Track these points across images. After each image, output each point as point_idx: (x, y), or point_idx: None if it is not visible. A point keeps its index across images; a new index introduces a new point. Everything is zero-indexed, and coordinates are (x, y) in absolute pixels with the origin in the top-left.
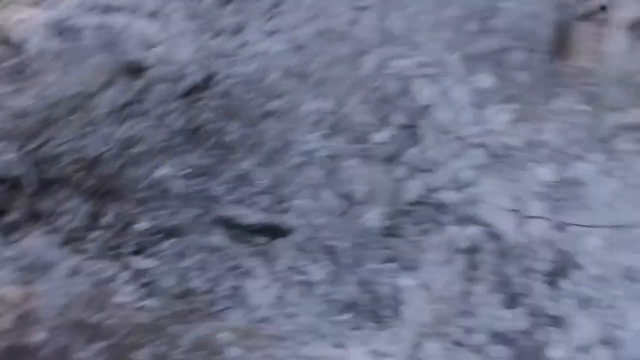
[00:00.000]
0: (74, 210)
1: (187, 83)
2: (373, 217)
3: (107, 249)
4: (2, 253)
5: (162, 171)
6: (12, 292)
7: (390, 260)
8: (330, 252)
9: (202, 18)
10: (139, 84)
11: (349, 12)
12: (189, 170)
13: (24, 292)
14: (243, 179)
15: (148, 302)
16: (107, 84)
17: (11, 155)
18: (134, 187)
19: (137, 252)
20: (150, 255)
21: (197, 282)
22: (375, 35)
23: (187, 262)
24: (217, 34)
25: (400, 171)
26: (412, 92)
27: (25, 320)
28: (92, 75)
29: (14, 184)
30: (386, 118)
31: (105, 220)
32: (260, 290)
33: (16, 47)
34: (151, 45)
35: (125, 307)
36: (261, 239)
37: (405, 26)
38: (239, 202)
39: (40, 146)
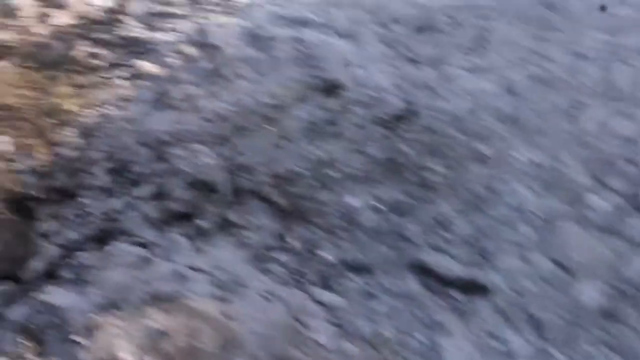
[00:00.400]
0: (263, 226)
1: (386, 110)
2: (590, 292)
3: (291, 274)
4: (193, 261)
5: (355, 200)
6: (212, 308)
7: (608, 346)
8: (537, 324)
9: (396, 44)
10: (334, 103)
11: (567, 58)
12: (383, 204)
13: (223, 311)
14: (442, 223)
15: (344, 345)
16: (301, 99)
17: (209, 160)
18: (323, 213)
19: (322, 285)
20: (336, 291)
21: (386, 329)
22: (597, 88)
23: (375, 305)
24: (415, 63)
25: (620, 245)
26: (638, 157)
27: (229, 345)
28: (286, 88)
29: (209, 189)
30: (606, 181)
31: (291, 242)
32: (455, 350)
33: (213, 52)
34: (348, 66)
35: (323, 347)
36: (458, 294)
37: (632, 81)
38: (436, 248)
39: (234, 154)
